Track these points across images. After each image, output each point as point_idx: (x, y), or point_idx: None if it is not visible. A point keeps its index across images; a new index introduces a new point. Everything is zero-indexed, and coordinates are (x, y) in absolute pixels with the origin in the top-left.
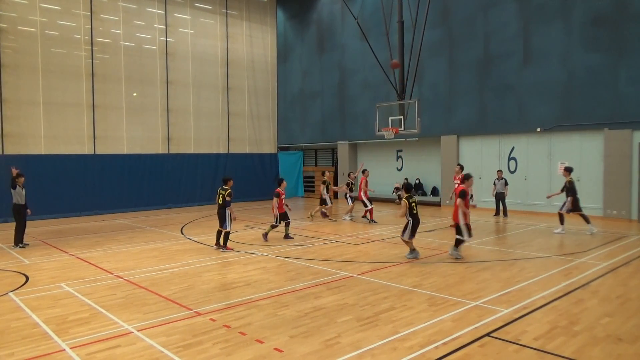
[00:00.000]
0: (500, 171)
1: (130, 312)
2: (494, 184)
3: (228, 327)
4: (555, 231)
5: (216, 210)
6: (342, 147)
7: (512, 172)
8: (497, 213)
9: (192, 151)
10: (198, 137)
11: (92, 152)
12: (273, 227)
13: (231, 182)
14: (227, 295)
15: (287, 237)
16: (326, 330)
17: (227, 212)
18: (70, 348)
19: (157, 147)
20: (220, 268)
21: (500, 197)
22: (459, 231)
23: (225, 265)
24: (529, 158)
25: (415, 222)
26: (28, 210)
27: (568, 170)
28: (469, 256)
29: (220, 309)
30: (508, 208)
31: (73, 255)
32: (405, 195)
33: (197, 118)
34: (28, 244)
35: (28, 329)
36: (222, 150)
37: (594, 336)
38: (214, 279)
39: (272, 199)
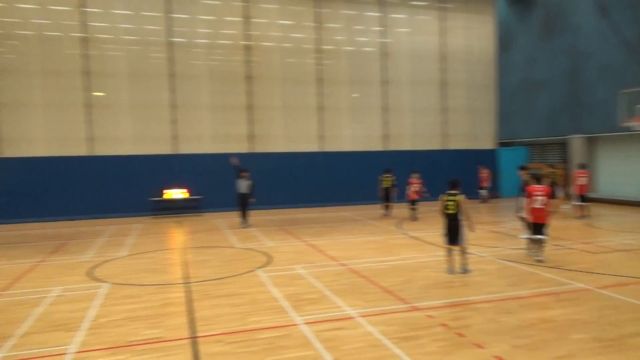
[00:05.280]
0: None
1: (352, 299)
2: None
3: (445, 325)
4: None
5: None
6: (576, 142)
7: None
8: None
9: (408, 148)
10: (414, 134)
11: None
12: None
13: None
14: (444, 294)
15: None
16: (556, 345)
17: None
18: (304, 323)
19: (377, 145)
20: (437, 265)
21: None
22: None
23: (442, 263)
24: None
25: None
26: None
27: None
28: None
29: (438, 306)
30: None
31: (305, 242)
32: (455, 193)
33: (413, 115)
34: None
35: (271, 302)
36: (437, 146)
37: None
38: (431, 276)
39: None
